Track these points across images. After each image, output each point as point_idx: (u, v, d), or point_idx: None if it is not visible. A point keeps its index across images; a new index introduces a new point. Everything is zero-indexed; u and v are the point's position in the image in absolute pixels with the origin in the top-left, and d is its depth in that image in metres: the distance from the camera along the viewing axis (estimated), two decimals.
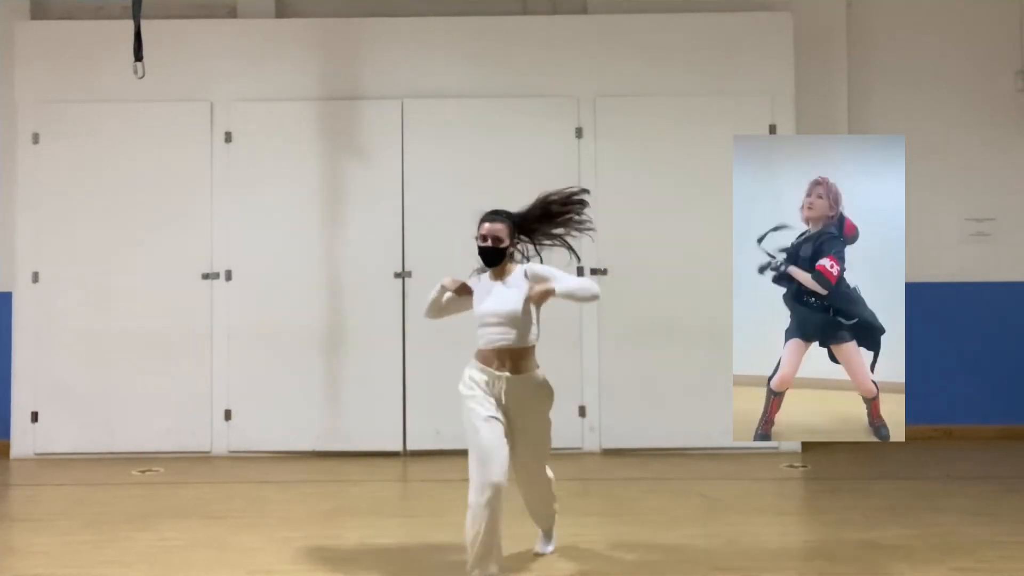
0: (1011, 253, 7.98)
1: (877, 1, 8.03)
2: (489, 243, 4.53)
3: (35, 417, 7.48)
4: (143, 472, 7.02)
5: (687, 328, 7.46)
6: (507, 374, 4.46)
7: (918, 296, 7.90)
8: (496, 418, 4.38)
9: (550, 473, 4.83)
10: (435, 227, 7.47)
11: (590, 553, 5.03)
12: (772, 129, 7.51)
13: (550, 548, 5.00)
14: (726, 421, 7.41)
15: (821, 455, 7.35)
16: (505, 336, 4.46)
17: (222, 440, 7.49)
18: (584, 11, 7.84)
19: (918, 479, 6.64)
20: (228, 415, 7.48)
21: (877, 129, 8.00)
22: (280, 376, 7.46)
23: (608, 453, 7.46)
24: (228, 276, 7.51)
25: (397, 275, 7.47)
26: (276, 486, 6.60)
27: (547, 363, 4.49)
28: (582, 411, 7.44)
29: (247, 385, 7.47)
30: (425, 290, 7.38)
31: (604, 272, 7.44)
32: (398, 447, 7.47)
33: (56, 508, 6.10)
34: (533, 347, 4.55)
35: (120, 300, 7.48)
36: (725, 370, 7.43)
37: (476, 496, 4.27)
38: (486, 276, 4.61)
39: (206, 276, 7.51)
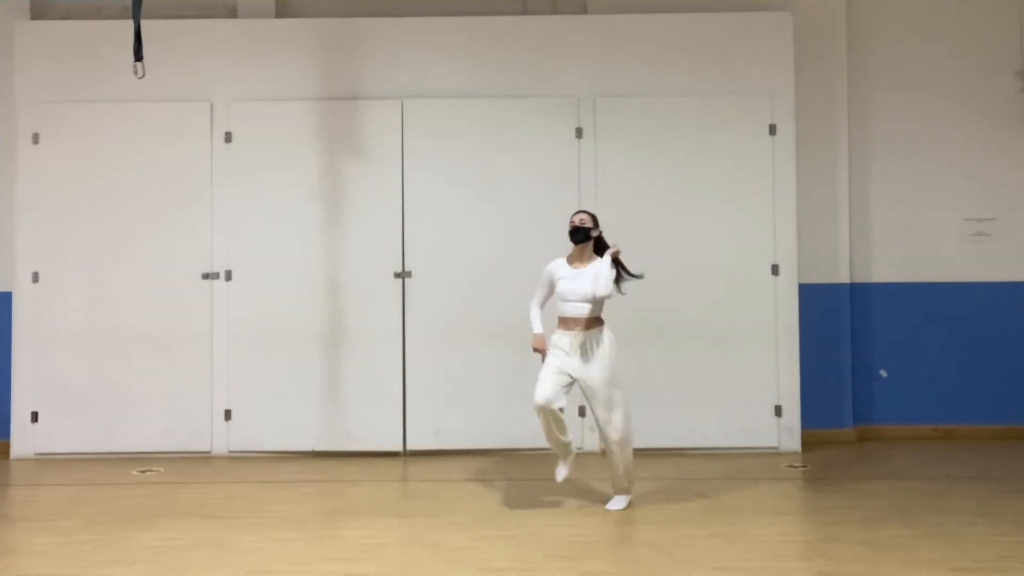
0: (1011, 253, 7.99)
1: (877, 1, 8.03)
2: (578, 223, 5.84)
3: (35, 417, 7.48)
4: (143, 472, 7.02)
5: (687, 328, 7.47)
6: (578, 331, 5.74)
7: (918, 296, 7.98)
8: (560, 367, 5.69)
9: (628, 435, 5.86)
10: (435, 227, 7.48)
11: (590, 553, 5.03)
12: (772, 129, 7.52)
13: (619, 504, 5.89)
14: (726, 421, 7.48)
15: (821, 455, 7.35)
16: (580, 308, 5.75)
17: (222, 440, 7.49)
18: (584, 11, 7.85)
19: (918, 479, 6.64)
20: (228, 415, 7.48)
21: (877, 129, 8.01)
22: (280, 376, 7.46)
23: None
24: (228, 276, 7.51)
25: (397, 275, 7.48)
26: (276, 486, 6.60)
27: None
28: (582, 411, 7.43)
29: (247, 385, 7.47)
30: (425, 290, 7.45)
31: None
32: (398, 447, 7.47)
33: (56, 508, 6.09)
34: (599, 316, 5.82)
35: (120, 300, 7.49)
36: (725, 370, 7.49)
37: (535, 410, 5.68)
38: (565, 262, 5.86)
39: (206, 276, 7.51)
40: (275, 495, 6.33)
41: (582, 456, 7.33)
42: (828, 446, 7.65)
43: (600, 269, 5.73)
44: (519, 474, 6.57)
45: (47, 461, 7.40)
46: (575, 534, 5.36)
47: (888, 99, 8.03)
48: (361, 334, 7.47)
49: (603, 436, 5.83)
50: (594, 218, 5.90)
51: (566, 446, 5.83)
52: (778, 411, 7.46)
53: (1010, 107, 8.00)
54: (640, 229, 7.44)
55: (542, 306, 5.94)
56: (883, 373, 7.98)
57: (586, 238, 5.84)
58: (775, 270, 7.51)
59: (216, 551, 5.13)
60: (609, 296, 5.75)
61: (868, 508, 5.84)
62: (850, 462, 7.20)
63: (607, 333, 5.81)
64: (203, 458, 7.45)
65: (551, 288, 5.89)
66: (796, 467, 7.04)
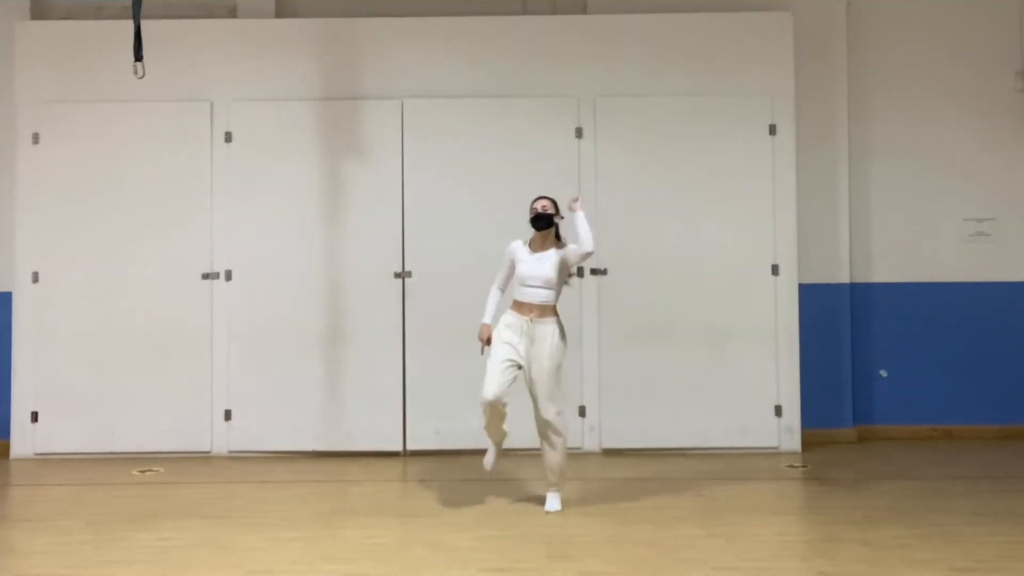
0: (1011, 253, 7.99)
1: (877, 1, 8.03)
2: (540, 210, 5.76)
3: (35, 417, 7.48)
4: (143, 472, 7.02)
5: (687, 328, 7.46)
6: (531, 318, 5.69)
7: (918, 296, 7.98)
8: (509, 360, 5.65)
9: (563, 427, 5.77)
10: (435, 227, 7.48)
11: (590, 553, 5.03)
12: (772, 129, 7.52)
13: (555, 506, 5.81)
14: (726, 421, 7.48)
15: (821, 455, 7.35)
16: (538, 294, 5.71)
17: (222, 440, 7.49)
18: (584, 11, 7.84)
19: (918, 479, 6.64)
20: (228, 415, 7.48)
21: (877, 129, 8.01)
22: (280, 376, 7.46)
23: (608, 453, 7.46)
24: (228, 276, 7.51)
25: (397, 275, 7.48)
26: (276, 486, 6.60)
27: None
28: (582, 411, 7.44)
29: (247, 385, 7.47)
30: (425, 290, 7.45)
31: (604, 272, 7.45)
32: (398, 447, 7.47)
33: (56, 508, 6.09)
34: (554, 305, 5.77)
35: (120, 300, 7.48)
36: (725, 370, 7.49)
37: (482, 405, 5.68)
38: (526, 247, 5.81)
39: (206, 276, 7.51)
40: (275, 495, 6.33)
41: (582, 457, 7.34)
42: (828, 446, 7.65)
43: (579, 226, 5.63)
44: (519, 474, 6.57)
45: (47, 461, 7.40)
46: (575, 534, 5.36)
47: (888, 99, 8.03)
48: (361, 334, 7.47)
49: (537, 424, 5.75)
50: (555, 204, 5.82)
51: (504, 435, 5.88)
52: (778, 411, 7.47)
53: (1010, 107, 8.00)
54: (640, 229, 7.45)
55: (503, 289, 5.88)
56: (883, 373, 7.98)
57: (548, 224, 5.78)
58: (775, 270, 7.51)
59: (216, 551, 5.13)
60: (589, 253, 5.65)
61: (868, 508, 5.84)
62: (850, 462, 7.20)
63: (559, 325, 5.75)
64: (203, 458, 7.45)
65: (511, 270, 5.83)
66: (796, 467, 7.04)
